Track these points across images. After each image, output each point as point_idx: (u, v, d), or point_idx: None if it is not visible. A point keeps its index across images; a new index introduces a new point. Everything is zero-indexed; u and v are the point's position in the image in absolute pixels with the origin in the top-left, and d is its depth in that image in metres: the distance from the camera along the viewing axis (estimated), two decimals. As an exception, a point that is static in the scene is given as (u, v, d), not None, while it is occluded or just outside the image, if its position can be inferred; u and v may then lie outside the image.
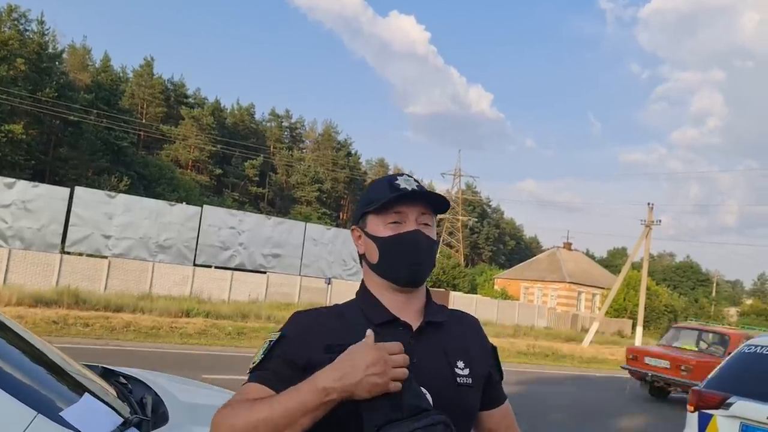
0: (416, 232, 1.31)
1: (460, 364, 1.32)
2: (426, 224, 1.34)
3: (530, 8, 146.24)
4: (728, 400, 4.46)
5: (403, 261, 1.31)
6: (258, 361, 1.25)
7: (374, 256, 1.34)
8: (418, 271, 1.32)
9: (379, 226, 1.33)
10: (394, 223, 1.32)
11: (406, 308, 1.33)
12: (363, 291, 1.38)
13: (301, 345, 1.25)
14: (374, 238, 1.33)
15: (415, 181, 1.36)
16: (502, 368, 1.49)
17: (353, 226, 1.41)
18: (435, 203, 1.35)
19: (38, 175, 38.41)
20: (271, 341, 1.27)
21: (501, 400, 1.46)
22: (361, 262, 1.41)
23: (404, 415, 1.13)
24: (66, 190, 20.55)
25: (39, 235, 19.45)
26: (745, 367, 4.81)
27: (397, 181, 1.34)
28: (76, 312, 15.12)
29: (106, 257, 20.52)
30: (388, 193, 1.31)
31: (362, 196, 1.41)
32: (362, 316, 1.30)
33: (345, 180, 69.42)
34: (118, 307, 16.65)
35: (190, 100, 62.90)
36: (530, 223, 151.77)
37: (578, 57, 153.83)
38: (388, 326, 1.28)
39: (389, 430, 1.11)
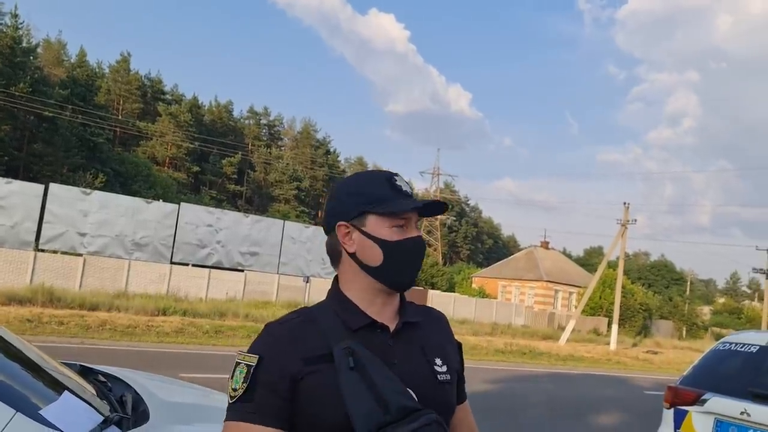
0: (420, 239, 1.31)
1: (438, 361, 1.32)
2: (418, 227, 1.34)
3: (509, 8, 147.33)
4: (703, 397, 4.53)
5: (408, 266, 1.30)
6: (242, 391, 1.18)
7: (375, 258, 1.28)
8: (416, 275, 1.33)
9: (383, 228, 1.27)
10: (399, 226, 1.28)
11: (385, 310, 1.31)
12: (336, 293, 1.33)
13: (279, 363, 1.20)
14: (378, 241, 1.27)
15: (407, 182, 1.36)
16: (465, 365, 1.49)
17: (342, 222, 1.30)
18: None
19: (12, 171, 37.71)
20: (250, 366, 1.20)
21: (465, 397, 1.47)
22: (335, 260, 1.34)
23: (394, 417, 1.14)
24: (40, 187, 20.23)
25: (12, 233, 19.12)
26: (719, 364, 4.89)
27: (397, 182, 1.31)
28: (50, 310, 14.91)
29: (81, 255, 20.25)
30: (392, 195, 1.28)
31: (350, 188, 1.32)
32: (338, 321, 1.26)
33: (323, 178, 69.24)
34: (93, 305, 16.45)
35: (167, 96, 62.17)
36: (508, 222, 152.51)
37: (556, 57, 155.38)
38: (367, 330, 1.26)
39: None
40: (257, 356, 1.20)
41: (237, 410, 1.18)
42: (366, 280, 1.30)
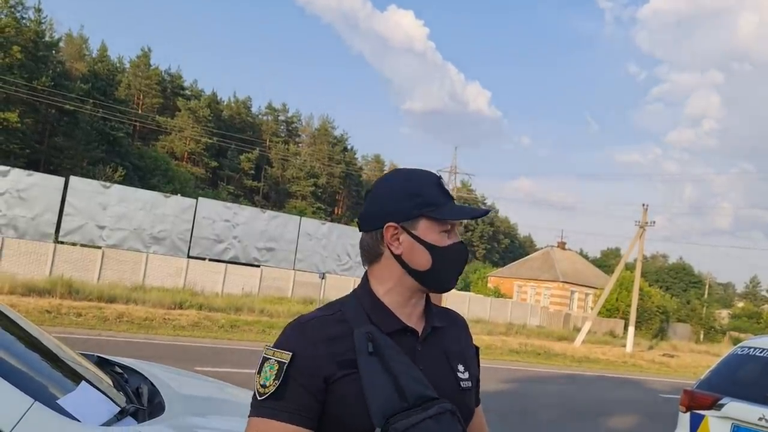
0: (464, 244, 1.31)
1: (461, 367, 1.31)
2: None
3: (530, 6, 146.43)
4: (720, 401, 4.48)
5: (454, 271, 1.29)
6: (273, 389, 1.13)
7: (424, 262, 1.25)
8: (458, 279, 1.33)
9: (434, 232, 1.26)
10: (446, 231, 1.27)
11: (413, 313, 1.30)
12: (367, 292, 1.29)
13: (314, 362, 1.16)
14: (428, 245, 1.25)
15: None
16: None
17: (392, 224, 1.25)
18: None
19: (33, 164, 38.21)
20: (282, 363, 1.15)
21: (479, 401, 1.45)
22: (371, 259, 1.30)
23: (410, 404, 1.14)
24: (61, 180, 20.47)
25: (33, 224, 19.38)
26: (737, 369, 4.83)
27: (444, 185, 1.31)
28: (69, 302, 15.09)
29: (99, 248, 20.47)
30: (443, 199, 1.28)
31: (404, 188, 1.28)
32: (370, 323, 1.23)
33: (340, 175, 69.37)
34: (111, 297, 16.63)
35: (186, 91, 62.66)
36: (524, 221, 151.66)
37: (576, 56, 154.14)
38: (398, 334, 1.25)
39: (398, 422, 1.11)
40: (290, 353, 1.16)
41: (267, 407, 1.13)
42: (408, 282, 1.27)
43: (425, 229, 1.25)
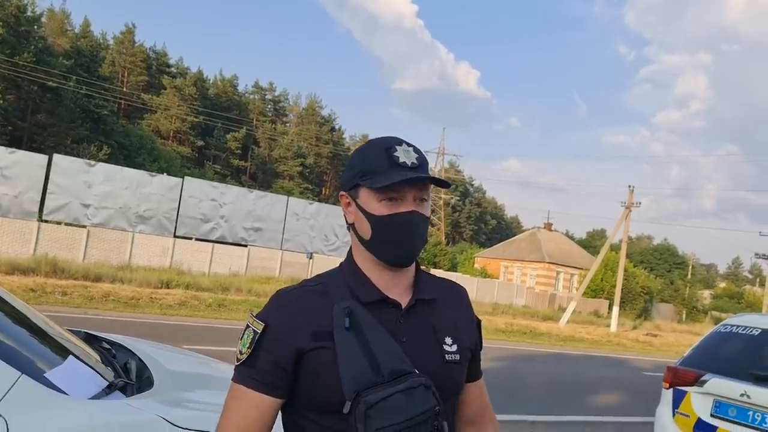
0: (413, 214, 1.23)
1: (449, 340, 1.29)
2: (422, 199, 1.26)
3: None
4: (702, 378, 4.55)
5: (397, 242, 1.24)
6: (246, 356, 1.21)
7: (366, 231, 1.25)
8: (411, 252, 1.26)
9: (373, 201, 1.23)
10: (390, 199, 1.22)
11: (396, 284, 1.28)
12: (350, 265, 1.31)
13: (286, 333, 1.20)
14: (367, 214, 1.24)
15: (415, 151, 1.26)
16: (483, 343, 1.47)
17: (342, 192, 1.31)
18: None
19: (15, 141, 37.66)
20: (255, 332, 1.21)
21: (479, 374, 1.45)
22: (349, 229, 1.33)
23: (385, 379, 1.14)
24: (44, 158, 20.21)
25: (16, 203, 19.16)
26: (719, 346, 4.91)
27: (396, 153, 1.23)
28: (54, 281, 15.01)
29: (84, 227, 20.31)
30: (386, 167, 1.22)
31: (354, 159, 1.30)
32: (349, 294, 1.24)
33: (328, 155, 69.08)
34: (97, 276, 16.55)
35: (172, 69, 61.83)
36: (512, 202, 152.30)
37: (566, 36, 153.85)
38: (378, 305, 1.25)
39: (368, 395, 1.11)
40: (263, 324, 1.21)
41: (241, 373, 1.22)
42: (366, 252, 1.29)
43: (365, 197, 1.25)
